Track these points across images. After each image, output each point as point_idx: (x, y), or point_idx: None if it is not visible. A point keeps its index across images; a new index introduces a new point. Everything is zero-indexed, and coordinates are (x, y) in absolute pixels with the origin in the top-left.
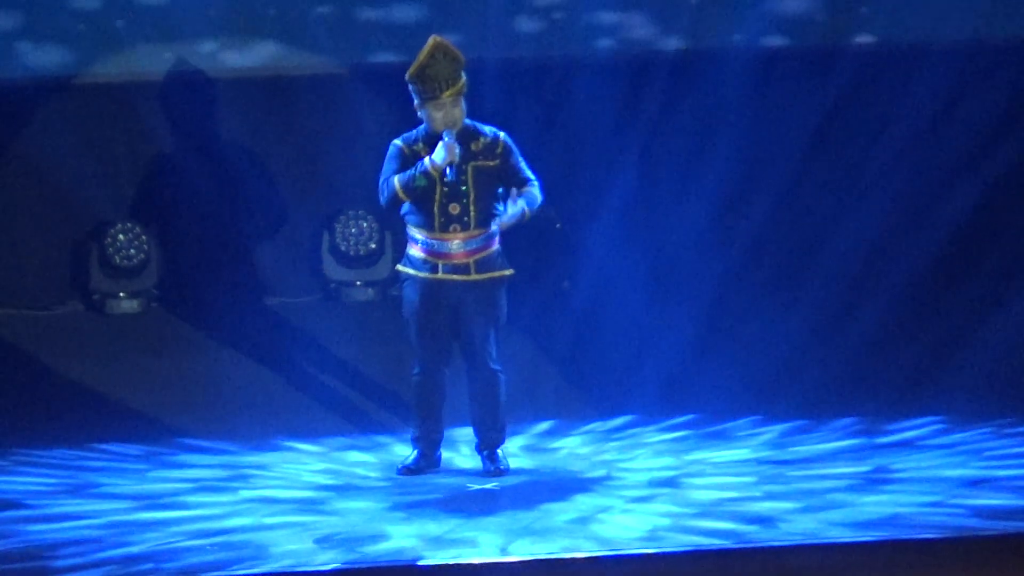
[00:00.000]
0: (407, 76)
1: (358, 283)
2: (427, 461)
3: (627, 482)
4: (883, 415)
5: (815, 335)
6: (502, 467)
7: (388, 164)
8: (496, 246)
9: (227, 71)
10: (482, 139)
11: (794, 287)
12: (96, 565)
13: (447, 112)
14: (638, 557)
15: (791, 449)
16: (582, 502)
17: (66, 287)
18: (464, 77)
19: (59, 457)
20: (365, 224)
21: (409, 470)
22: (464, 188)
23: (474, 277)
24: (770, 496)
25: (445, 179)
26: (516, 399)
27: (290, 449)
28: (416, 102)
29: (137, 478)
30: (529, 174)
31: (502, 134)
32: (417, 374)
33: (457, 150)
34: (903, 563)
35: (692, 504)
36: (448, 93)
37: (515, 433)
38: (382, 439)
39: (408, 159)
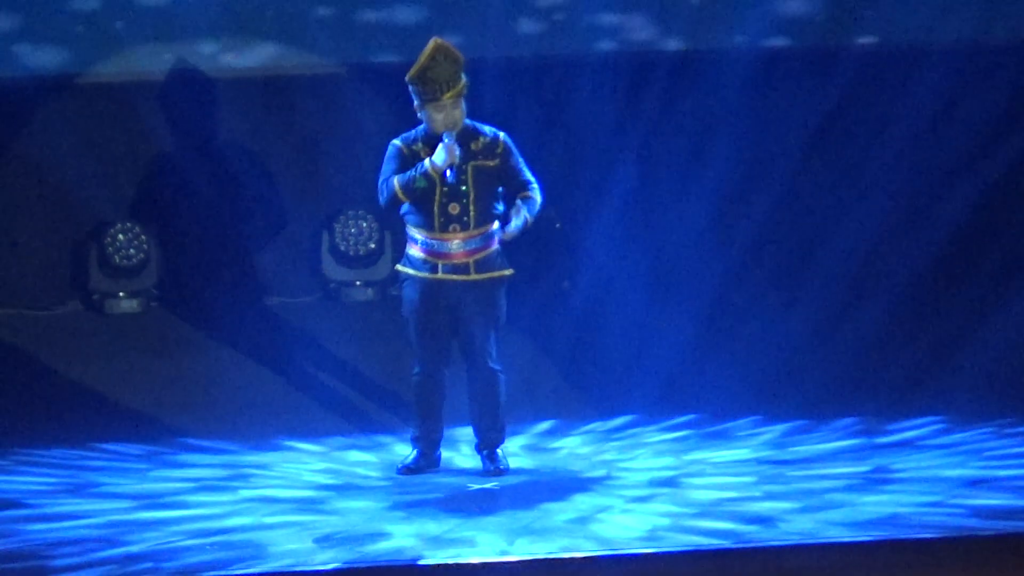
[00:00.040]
0: (407, 78)
1: (358, 283)
2: (427, 461)
3: (627, 482)
4: (883, 415)
5: (815, 335)
6: (502, 467)
7: (387, 164)
8: (496, 246)
9: (227, 71)
10: (482, 139)
11: (794, 287)
12: (96, 564)
13: (447, 113)
14: (637, 557)
15: (791, 449)
16: (582, 502)
17: (66, 287)
18: (465, 78)
19: (59, 456)
20: (365, 224)
21: (409, 469)
22: (464, 188)
23: (474, 277)
24: (770, 496)
25: (446, 181)
26: (516, 399)
27: (290, 449)
28: (416, 103)
29: (137, 477)
30: (529, 175)
31: (502, 134)
32: (417, 374)
33: (457, 152)
34: (902, 563)
35: (692, 504)
36: (449, 95)
37: (516, 433)
38: (383, 439)
39: (407, 159)
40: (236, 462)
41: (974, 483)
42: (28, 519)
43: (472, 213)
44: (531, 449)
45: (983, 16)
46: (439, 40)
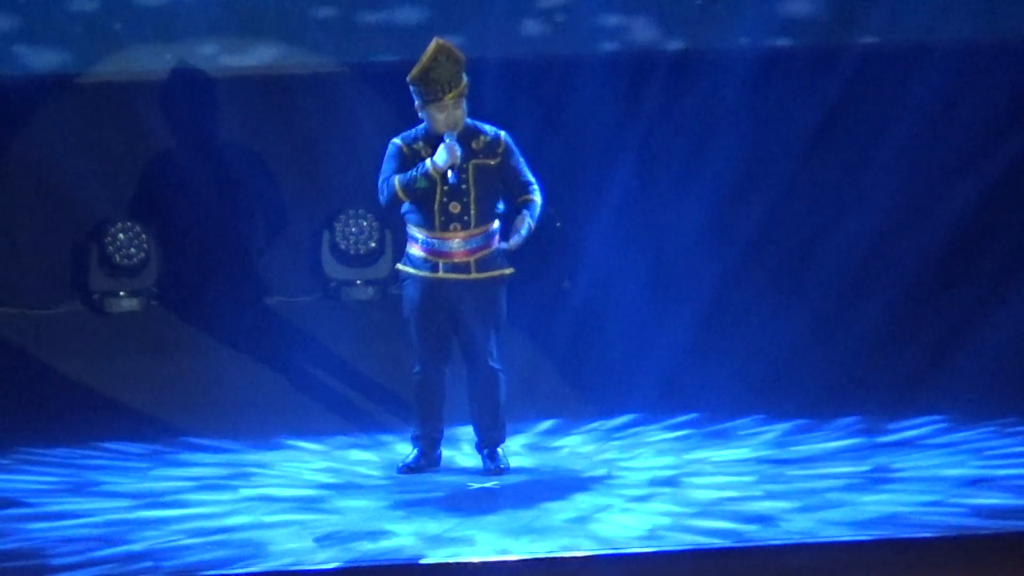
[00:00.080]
0: (409, 78)
1: (358, 282)
2: (427, 460)
3: (627, 481)
4: (885, 414)
5: (815, 334)
6: (502, 466)
7: (387, 163)
8: (496, 245)
9: (227, 71)
10: (483, 137)
11: (794, 287)
12: (96, 563)
13: (449, 113)
14: (637, 556)
15: (792, 448)
16: (582, 501)
17: (66, 286)
18: (466, 79)
19: (60, 455)
20: (365, 223)
21: (409, 468)
22: (465, 187)
23: (474, 276)
24: (770, 495)
25: (447, 181)
26: (517, 398)
27: (292, 447)
28: (417, 103)
29: (138, 476)
30: (529, 176)
31: (503, 133)
32: (417, 373)
33: (459, 152)
34: (902, 562)
35: (692, 503)
36: (451, 95)
37: (517, 432)
38: (385, 437)
39: (407, 158)
40: (237, 461)
41: (974, 482)
42: (28, 518)
43: (473, 212)
44: (532, 448)
45: (983, 16)
46: (441, 40)
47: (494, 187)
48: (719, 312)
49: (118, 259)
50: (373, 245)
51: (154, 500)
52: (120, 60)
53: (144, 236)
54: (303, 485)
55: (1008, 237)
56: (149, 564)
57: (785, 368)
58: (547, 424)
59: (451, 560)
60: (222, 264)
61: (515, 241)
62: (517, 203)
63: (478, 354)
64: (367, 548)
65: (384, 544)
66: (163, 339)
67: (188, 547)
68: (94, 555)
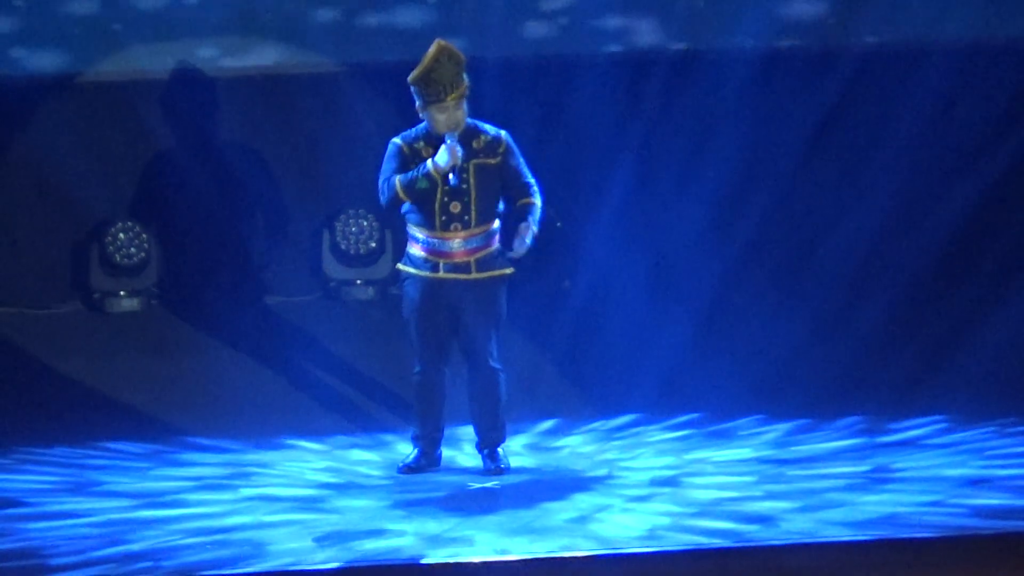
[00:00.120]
0: (411, 79)
1: (358, 282)
2: (428, 460)
3: (627, 481)
4: (885, 414)
5: (816, 334)
6: (502, 466)
7: (388, 163)
8: (496, 245)
9: (227, 71)
10: (483, 137)
11: (794, 287)
12: (96, 563)
13: (450, 114)
14: (637, 556)
15: (792, 448)
16: (582, 501)
17: (66, 286)
18: (467, 79)
19: (60, 455)
20: (365, 223)
21: (410, 468)
22: (465, 187)
23: (474, 276)
24: (770, 495)
25: (447, 181)
26: (517, 398)
27: (293, 447)
28: (419, 104)
29: (138, 476)
30: (529, 177)
31: (504, 133)
32: (417, 373)
33: (460, 153)
34: (902, 562)
35: (692, 503)
36: (452, 96)
37: (518, 432)
38: (386, 437)
39: (408, 158)
40: (237, 460)
41: (974, 483)
42: (29, 517)
43: (473, 212)
44: (533, 448)
45: (983, 16)
46: (442, 42)
47: (495, 187)
48: (719, 312)
49: (118, 259)
50: (373, 245)
51: (154, 500)
52: (120, 60)
53: (144, 236)
54: (303, 485)
55: (1008, 237)
56: (149, 564)
57: (785, 368)
58: (547, 424)
59: (451, 560)
60: (222, 264)
61: (520, 249)
62: (517, 205)
63: (478, 354)
64: (367, 548)
65: (384, 544)
66: (163, 339)
67: (188, 547)
68: (94, 555)
